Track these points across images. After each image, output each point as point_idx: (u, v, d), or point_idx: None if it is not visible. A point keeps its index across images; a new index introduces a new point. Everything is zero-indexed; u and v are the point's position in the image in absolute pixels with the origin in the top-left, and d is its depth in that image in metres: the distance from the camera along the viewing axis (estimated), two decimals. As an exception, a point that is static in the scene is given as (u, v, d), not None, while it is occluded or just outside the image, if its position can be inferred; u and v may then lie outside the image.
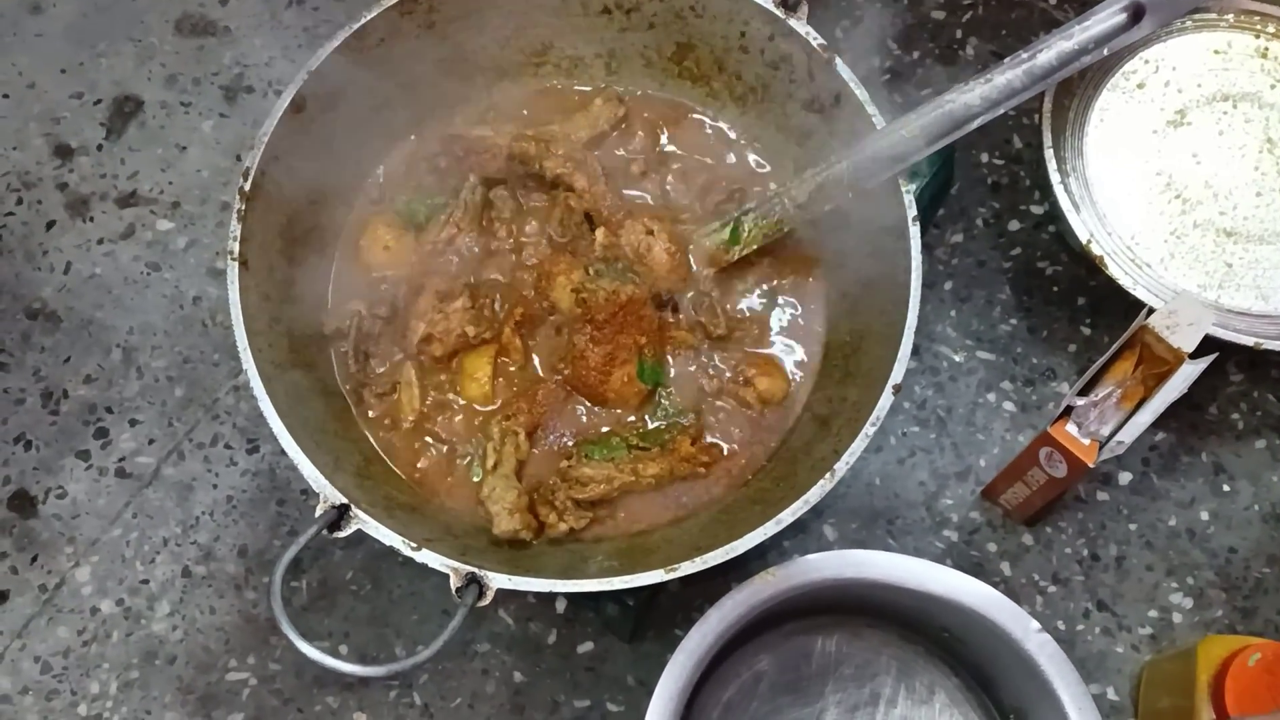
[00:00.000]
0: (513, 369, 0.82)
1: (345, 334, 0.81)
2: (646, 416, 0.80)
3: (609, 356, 0.78)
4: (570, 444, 0.80)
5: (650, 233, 0.81)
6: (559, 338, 0.81)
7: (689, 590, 0.91)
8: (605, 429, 0.80)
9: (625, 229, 0.82)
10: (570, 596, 0.91)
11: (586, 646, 0.91)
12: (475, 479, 0.78)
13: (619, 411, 0.80)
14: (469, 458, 0.79)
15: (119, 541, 0.93)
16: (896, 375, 0.67)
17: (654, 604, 0.91)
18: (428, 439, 0.80)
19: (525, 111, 0.88)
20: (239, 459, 0.96)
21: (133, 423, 0.97)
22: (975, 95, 0.74)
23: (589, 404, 0.81)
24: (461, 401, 0.81)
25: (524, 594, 0.92)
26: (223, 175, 1.06)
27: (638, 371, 0.78)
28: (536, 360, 0.82)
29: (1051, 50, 0.75)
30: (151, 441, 0.96)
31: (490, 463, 0.77)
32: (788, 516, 0.63)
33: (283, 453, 0.93)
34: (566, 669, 0.90)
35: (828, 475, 0.64)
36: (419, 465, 0.79)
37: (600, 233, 0.82)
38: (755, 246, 0.81)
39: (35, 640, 0.90)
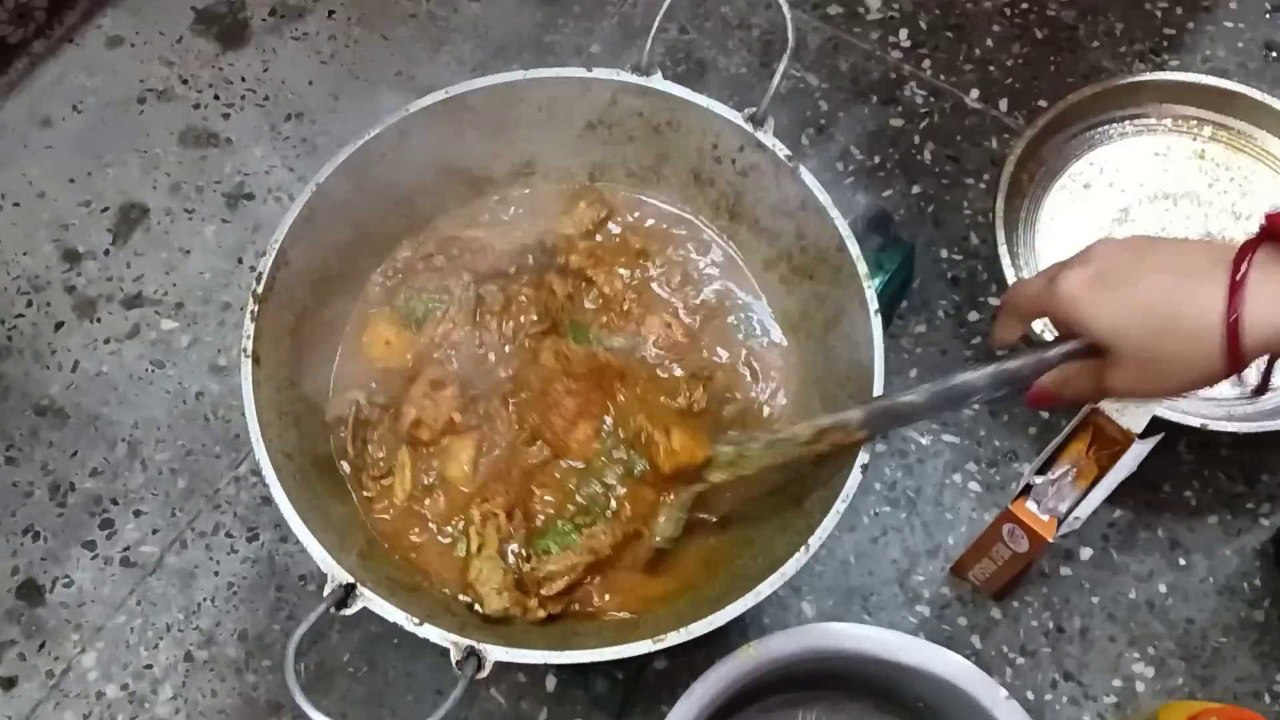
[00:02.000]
0: (495, 453, 0.86)
1: (345, 421, 0.86)
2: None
3: (580, 409, 0.82)
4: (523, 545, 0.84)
5: (669, 325, 0.89)
6: (539, 403, 0.86)
7: (674, 667, 0.95)
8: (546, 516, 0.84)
9: (645, 323, 0.88)
10: (559, 675, 0.95)
11: (576, 724, 0.94)
12: (460, 556, 0.82)
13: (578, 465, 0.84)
14: (452, 539, 0.83)
15: (123, 628, 0.96)
16: (864, 456, 0.72)
17: (640, 681, 0.94)
18: (418, 525, 0.84)
19: (518, 211, 0.94)
20: (239, 547, 1.00)
21: (137, 513, 1.01)
22: (982, 377, 0.72)
23: (551, 453, 0.85)
24: (445, 481, 0.85)
25: (515, 673, 0.95)
26: (224, 277, 1.12)
27: (598, 432, 0.83)
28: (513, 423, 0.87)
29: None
30: (155, 531, 1.00)
31: (475, 545, 0.81)
32: (766, 588, 0.68)
33: (283, 539, 1.00)
34: (557, 746, 0.93)
35: (803, 549, 0.69)
36: (413, 541, 0.83)
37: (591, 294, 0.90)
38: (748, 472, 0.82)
39: (41, 726, 0.92)
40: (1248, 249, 0.56)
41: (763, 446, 0.79)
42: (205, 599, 0.98)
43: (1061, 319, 0.64)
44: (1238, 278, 0.55)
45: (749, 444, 0.80)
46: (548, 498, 0.83)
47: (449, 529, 0.84)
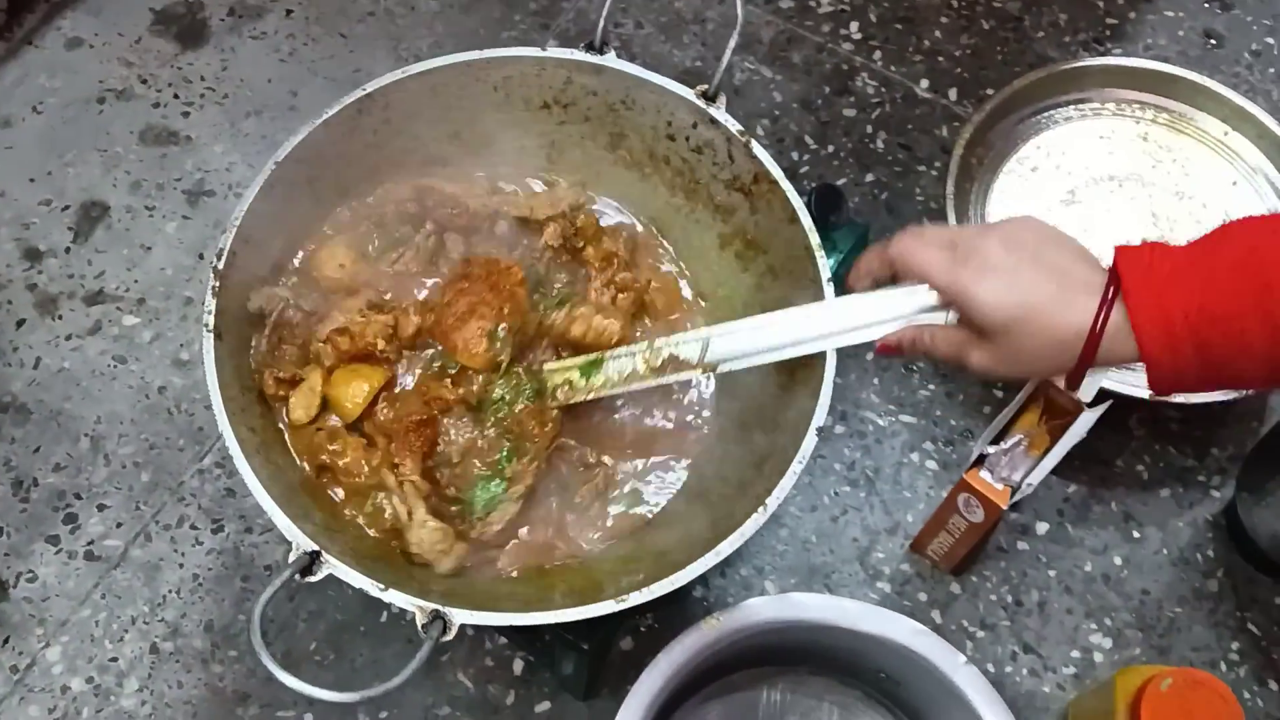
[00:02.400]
0: (395, 405, 0.86)
1: (267, 315, 0.84)
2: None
3: (471, 308, 0.82)
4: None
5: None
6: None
7: (640, 648, 0.96)
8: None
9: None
10: (526, 657, 0.96)
11: (544, 706, 0.95)
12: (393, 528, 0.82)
13: (470, 372, 0.85)
14: (373, 510, 0.83)
15: (88, 621, 0.96)
16: (819, 419, 0.73)
17: (607, 661, 0.95)
18: (330, 479, 0.84)
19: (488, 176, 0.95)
20: (204, 539, 1.00)
21: (101, 507, 1.01)
22: (838, 320, 0.75)
23: (440, 348, 0.85)
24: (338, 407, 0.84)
25: (482, 657, 0.96)
26: (185, 273, 1.12)
27: (489, 334, 0.83)
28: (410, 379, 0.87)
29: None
30: (119, 525, 1.00)
31: (404, 514, 0.80)
32: (726, 547, 0.69)
33: (247, 530, 1.00)
34: (525, 729, 0.94)
35: (761, 509, 0.70)
36: (333, 497, 0.83)
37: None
38: (600, 395, 0.84)
39: (6, 720, 0.92)
40: (1111, 283, 0.63)
41: (599, 365, 0.83)
42: (170, 591, 0.98)
43: (955, 296, 0.67)
44: (1106, 300, 0.62)
45: (585, 364, 0.83)
46: (458, 437, 0.84)
47: (370, 504, 0.83)
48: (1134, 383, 0.98)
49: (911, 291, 0.70)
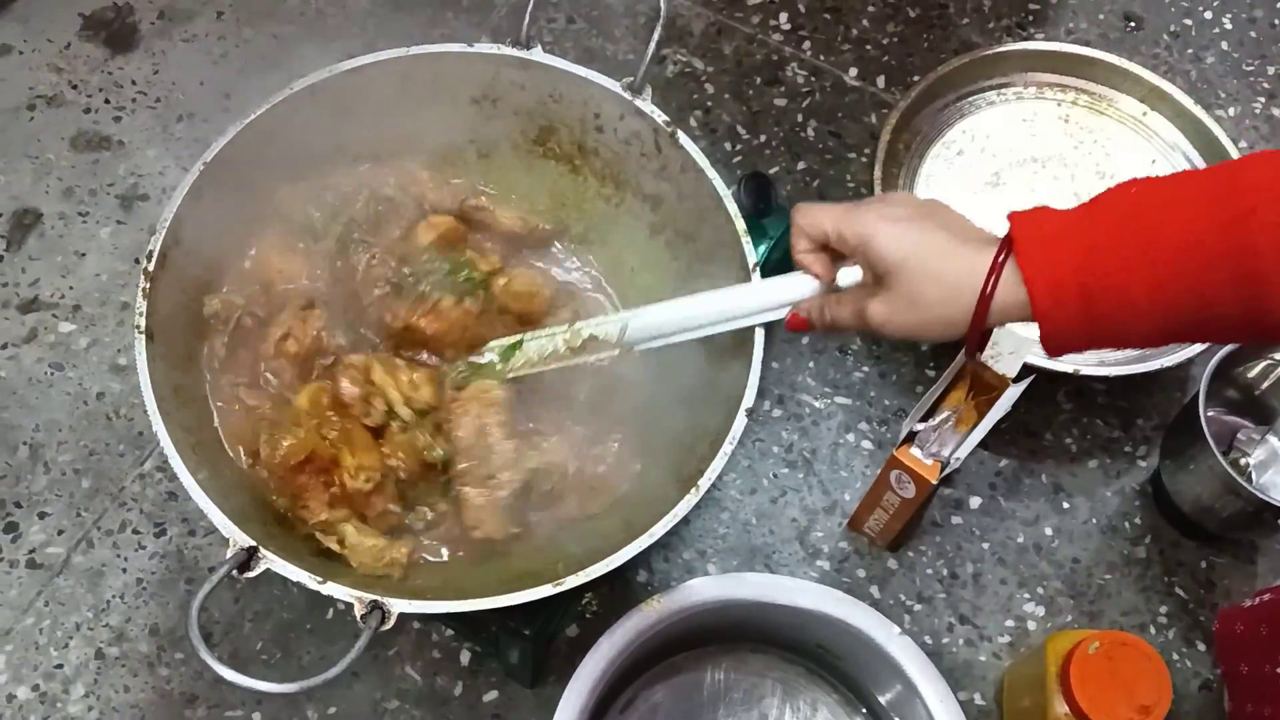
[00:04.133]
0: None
1: (223, 320, 0.85)
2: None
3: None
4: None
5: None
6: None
7: (585, 635, 0.97)
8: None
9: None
10: (472, 647, 0.97)
11: (491, 695, 0.96)
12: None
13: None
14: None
15: (32, 630, 0.96)
16: (748, 400, 0.75)
17: (553, 649, 0.97)
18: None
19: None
20: (147, 543, 1.00)
21: (41, 515, 1.00)
22: (749, 300, 0.79)
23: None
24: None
25: (429, 649, 0.97)
26: (121, 278, 1.12)
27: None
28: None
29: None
30: (61, 532, 1.00)
31: (336, 546, 0.80)
32: (659, 529, 0.70)
33: (191, 533, 1.00)
34: (473, 718, 0.95)
35: (694, 489, 0.72)
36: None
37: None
38: (522, 374, 0.85)
39: (-50, 732, 0.92)
40: (1004, 245, 0.65)
41: (519, 347, 0.85)
42: (115, 596, 0.98)
43: (854, 242, 0.70)
44: (999, 259, 0.64)
45: (505, 347, 0.86)
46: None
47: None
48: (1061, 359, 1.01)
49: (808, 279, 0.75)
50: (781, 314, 0.77)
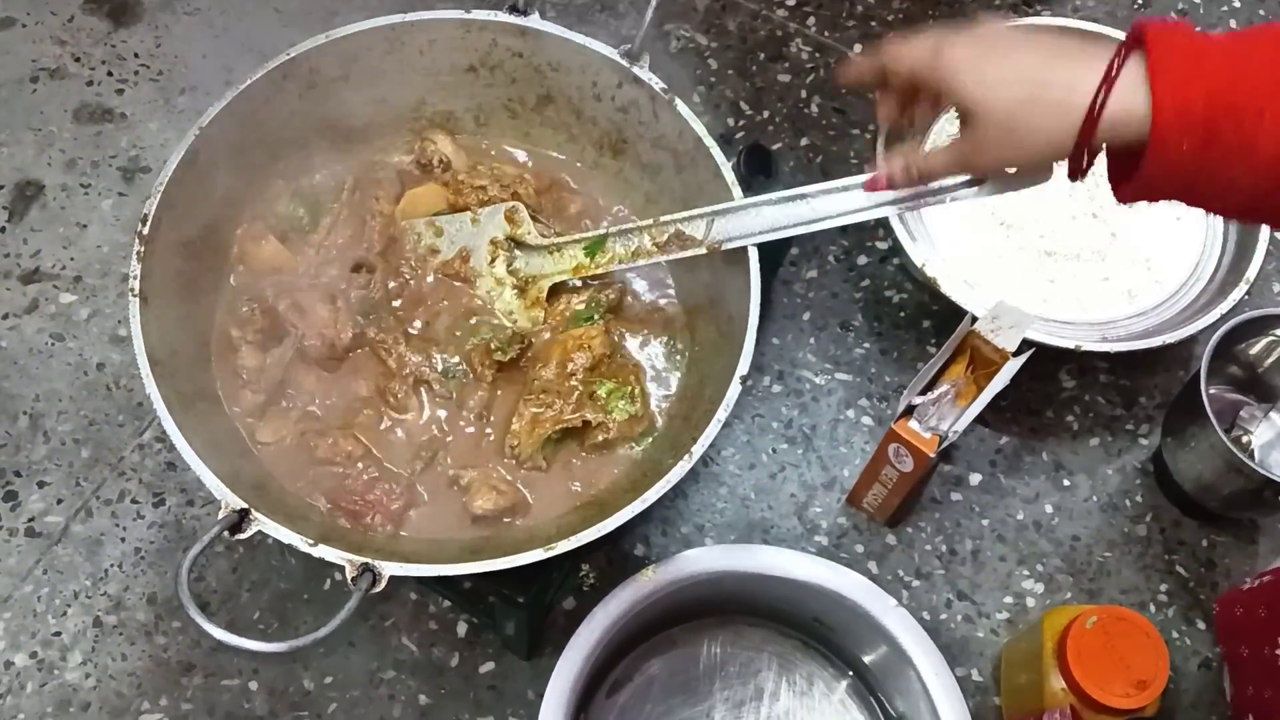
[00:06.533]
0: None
1: (244, 323, 0.87)
2: None
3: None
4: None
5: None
6: None
7: (582, 607, 0.97)
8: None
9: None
10: (469, 619, 0.97)
11: (488, 666, 0.96)
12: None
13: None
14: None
15: (30, 597, 0.96)
16: (742, 368, 0.75)
17: (550, 621, 0.97)
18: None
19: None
20: (145, 512, 1.00)
21: (41, 484, 1.01)
22: (834, 203, 0.80)
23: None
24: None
25: (426, 620, 0.97)
26: (122, 250, 1.12)
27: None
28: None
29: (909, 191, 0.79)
30: (60, 501, 1.00)
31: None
32: (652, 494, 0.70)
33: (189, 503, 1.00)
34: (469, 689, 0.95)
35: (686, 456, 0.72)
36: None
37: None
38: (610, 270, 0.87)
39: (-52, 697, 0.92)
40: (1122, 48, 0.60)
41: (604, 243, 0.87)
42: (113, 565, 0.98)
43: (940, 84, 0.66)
44: (1117, 61, 0.59)
45: (590, 242, 0.87)
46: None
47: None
48: (1061, 334, 1.00)
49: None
50: (865, 218, 0.79)
